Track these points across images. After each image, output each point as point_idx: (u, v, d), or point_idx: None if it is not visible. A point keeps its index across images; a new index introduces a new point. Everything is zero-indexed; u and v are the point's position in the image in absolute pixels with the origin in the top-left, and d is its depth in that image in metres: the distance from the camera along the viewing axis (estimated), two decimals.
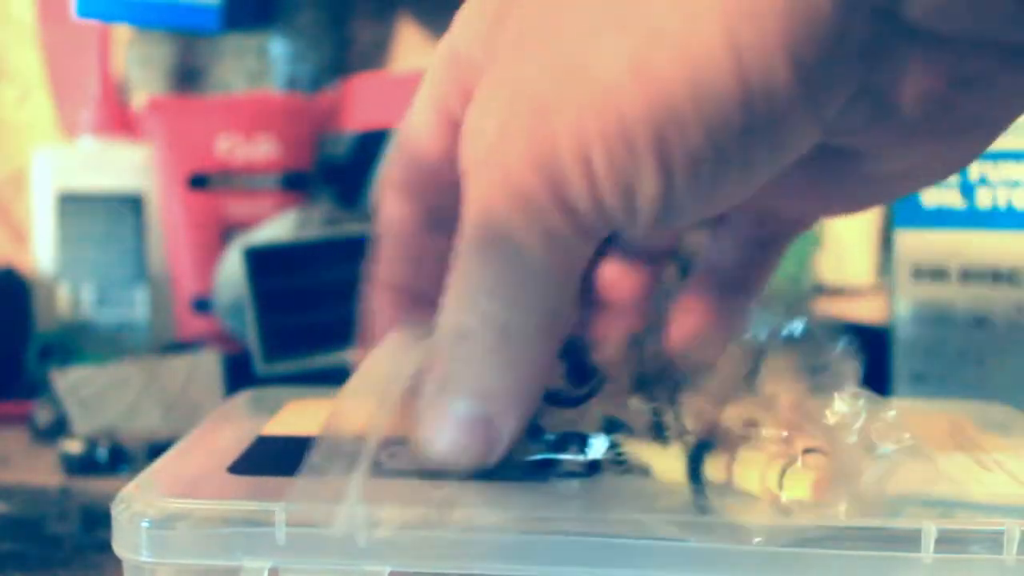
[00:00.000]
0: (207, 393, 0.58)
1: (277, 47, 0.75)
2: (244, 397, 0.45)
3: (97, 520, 0.46)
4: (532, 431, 0.33)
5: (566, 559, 0.31)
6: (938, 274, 0.52)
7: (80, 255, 0.72)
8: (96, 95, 0.72)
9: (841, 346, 0.34)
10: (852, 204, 0.34)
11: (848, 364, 0.33)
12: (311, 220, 0.65)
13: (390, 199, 0.36)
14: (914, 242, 0.53)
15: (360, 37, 0.78)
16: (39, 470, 0.53)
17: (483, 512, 0.32)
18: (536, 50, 0.29)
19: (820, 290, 0.64)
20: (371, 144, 0.72)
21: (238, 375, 0.59)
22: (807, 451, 0.32)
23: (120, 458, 0.53)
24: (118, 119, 0.73)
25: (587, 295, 0.37)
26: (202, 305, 0.70)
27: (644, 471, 0.34)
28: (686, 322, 0.37)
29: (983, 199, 0.52)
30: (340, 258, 0.61)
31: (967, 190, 0.52)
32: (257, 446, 0.38)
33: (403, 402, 0.33)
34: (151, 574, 0.32)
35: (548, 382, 0.32)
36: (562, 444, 0.34)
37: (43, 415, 0.59)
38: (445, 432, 0.31)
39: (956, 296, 0.52)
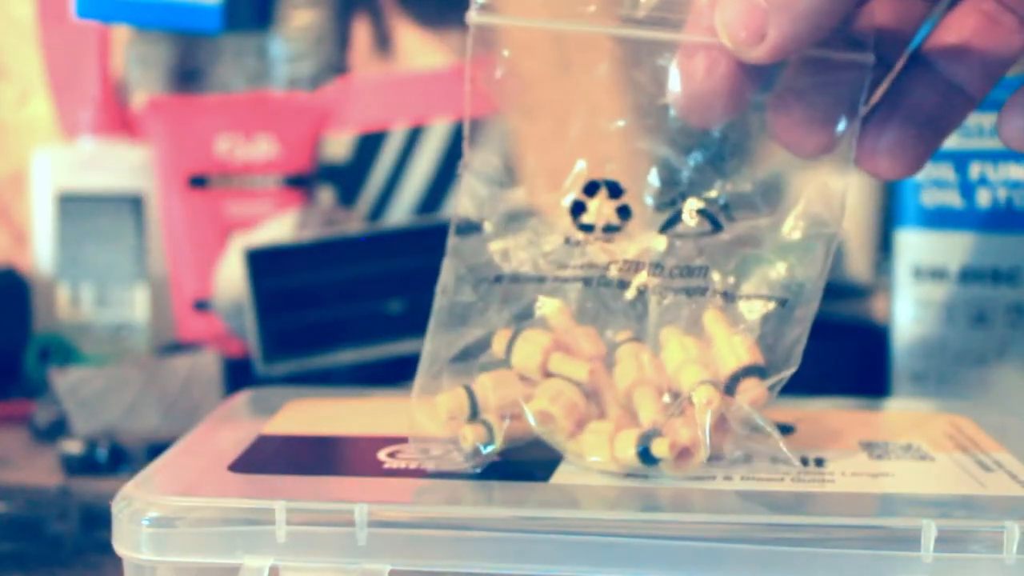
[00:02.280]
0: (207, 393, 0.58)
1: (277, 47, 0.76)
2: (244, 397, 0.46)
3: (97, 520, 0.46)
4: None
5: (566, 559, 0.31)
6: (938, 274, 0.52)
7: (80, 255, 0.72)
8: (96, 95, 0.72)
9: None
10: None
11: None
12: (311, 220, 0.65)
13: None
14: (914, 242, 0.53)
15: (360, 37, 0.78)
16: (39, 470, 0.53)
17: (483, 512, 0.32)
18: None
19: None
20: (371, 144, 0.72)
21: (238, 375, 0.59)
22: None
23: (120, 458, 0.53)
24: (118, 119, 0.73)
25: None
26: (202, 305, 0.70)
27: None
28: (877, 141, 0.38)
29: (983, 199, 0.52)
30: (340, 258, 0.61)
31: (967, 190, 0.52)
32: (257, 445, 0.38)
33: None
34: (151, 572, 0.32)
35: (819, 38, 0.35)
36: None
37: (43, 415, 0.59)
38: (730, 7, 0.35)
39: (956, 296, 0.52)
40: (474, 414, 0.36)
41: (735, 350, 0.36)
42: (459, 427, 0.36)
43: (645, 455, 0.34)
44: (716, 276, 0.37)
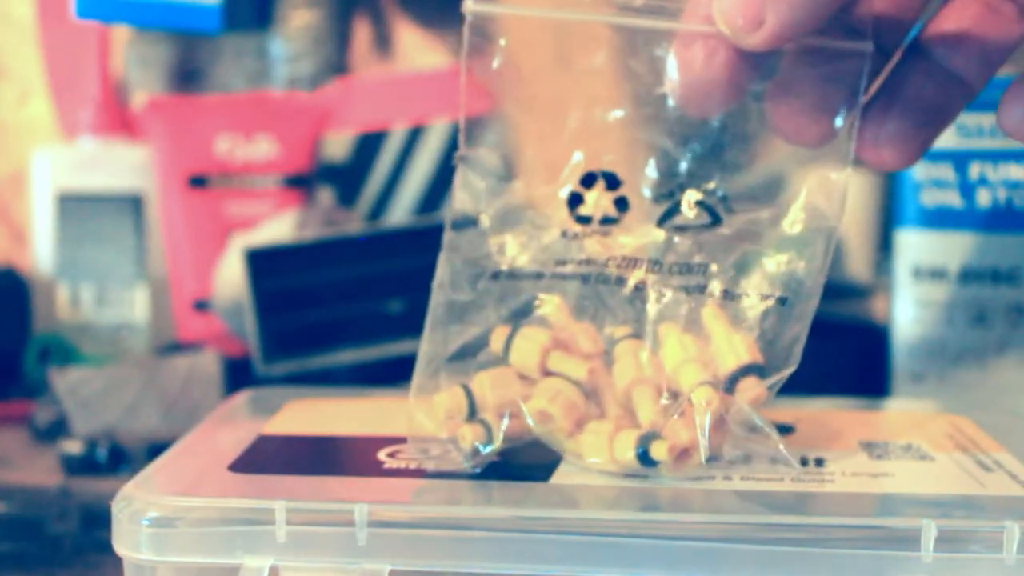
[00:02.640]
0: (207, 393, 0.58)
1: (277, 47, 0.75)
2: (244, 397, 0.46)
3: (97, 520, 0.46)
4: None
5: (566, 559, 0.31)
6: (938, 274, 0.52)
7: (80, 255, 0.72)
8: (96, 95, 0.72)
9: None
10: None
11: None
12: (311, 220, 0.65)
13: None
14: (914, 242, 0.53)
15: (360, 37, 0.78)
16: (39, 470, 0.53)
17: (483, 512, 0.32)
18: None
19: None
20: (371, 144, 0.72)
21: (238, 375, 0.59)
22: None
23: (120, 458, 0.53)
24: (118, 119, 0.73)
25: None
26: (202, 305, 0.71)
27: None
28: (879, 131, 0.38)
29: (983, 199, 0.52)
30: (340, 258, 0.61)
31: (967, 190, 0.52)
32: (257, 445, 0.38)
33: None
34: (151, 572, 0.32)
35: (817, 26, 0.35)
36: None
37: (43, 415, 0.59)
38: None
39: (956, 296, 0.52)
40: (472, 413, 0.36)
41: (734, 348, 0.36)
42: (457, 427, 0.36)
43: (644, 457, 0.34)
44: (715, 273, 0.37)
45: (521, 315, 0.37)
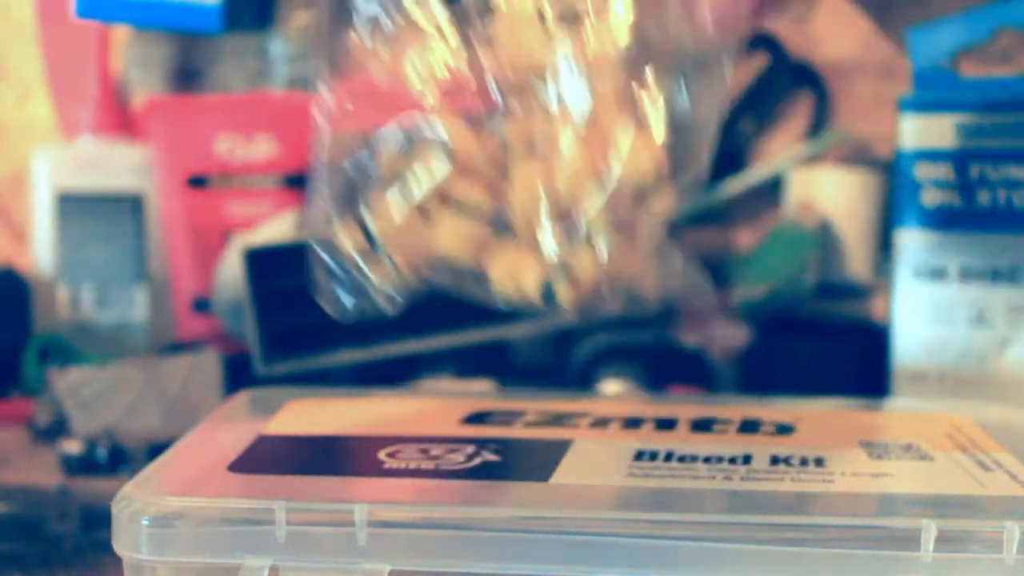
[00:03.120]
0: (207, 393, 0.58)
1: (277, 47, 0.75)
2: (244, 397, 0.46)
3: (97, 520, 0.46)
4: None
5: (566, 559, 0.31)
6: (938, 274, 0.52)
7: (80, 255, 0.72)
8: (96, 95, 0.72)
9: None
10: None
11: None
12: (311, 220, 0.65)
13: None
14: (914, 242, 0.53)
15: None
16: (39, 470, 0.53)
17: (483, 512, 0.32)
18: None
19: (820, 290, 0.64)
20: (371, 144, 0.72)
21: (238, 375, 0.59)
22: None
23: (120, 458, 0.53)
24: (118, 119, 0.73)
25: None
26: (202, 305, 0.70)
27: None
28: None
29: (983, 199, 0.52)
30: None
31: (967, 190, 0.52)
32: (257, 445, 0.38)
33: None
34: (151, 572, 0.32)
35: None
36: None
37: (43, 415, 0.59)
38: None
39: (956, 296, 0.52)
40: (373, 249, 0.35)
41: (637, 154, 0.34)
42: (365, 261, 0.35)
43: (549, 297, 0.34)
44: (617, 75, 0.35)
45: (411, 140, 0.36)
